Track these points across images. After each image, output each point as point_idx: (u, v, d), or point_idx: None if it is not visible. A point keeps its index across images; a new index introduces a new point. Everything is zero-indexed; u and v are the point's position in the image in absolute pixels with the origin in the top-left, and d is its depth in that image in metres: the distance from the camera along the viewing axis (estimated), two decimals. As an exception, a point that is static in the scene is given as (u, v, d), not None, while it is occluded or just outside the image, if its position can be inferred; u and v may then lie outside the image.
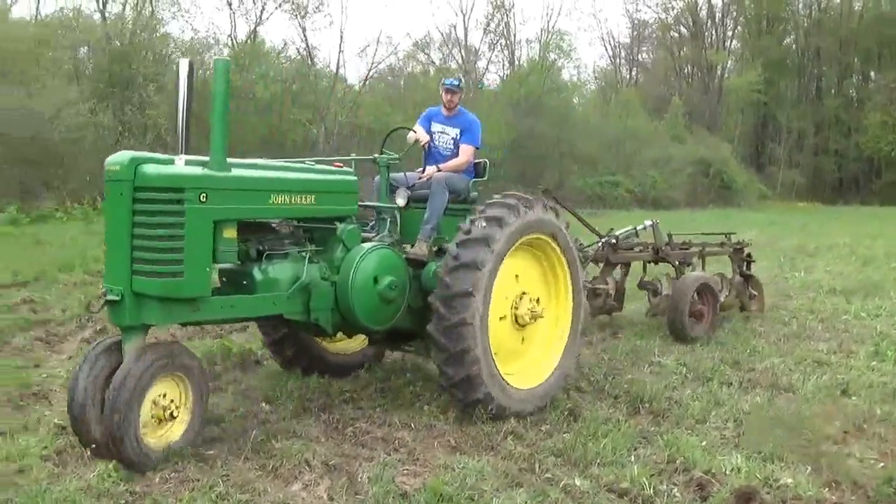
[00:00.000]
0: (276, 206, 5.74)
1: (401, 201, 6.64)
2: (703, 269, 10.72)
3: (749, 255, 11.23)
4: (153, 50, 29.71)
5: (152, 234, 5.06)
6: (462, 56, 48.33)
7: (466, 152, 7.36)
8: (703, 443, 5.83)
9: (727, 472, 5.26)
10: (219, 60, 5.34)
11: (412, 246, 6.72)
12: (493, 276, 6.16)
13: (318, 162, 6.47)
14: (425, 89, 37.87)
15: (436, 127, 7.52)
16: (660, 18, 64.28)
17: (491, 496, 4.87)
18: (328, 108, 34.12)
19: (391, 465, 5.27)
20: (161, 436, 5.25)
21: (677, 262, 10.17)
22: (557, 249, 6.77)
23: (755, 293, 11.06)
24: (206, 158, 5.32)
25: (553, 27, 51.34)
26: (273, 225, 6.16)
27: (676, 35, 64.33)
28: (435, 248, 6.72)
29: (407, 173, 7.19)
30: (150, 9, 30.96)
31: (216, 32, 62.75)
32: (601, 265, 9.76)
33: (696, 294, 9.31)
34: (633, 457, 5.55)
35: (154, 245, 5.06)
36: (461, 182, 7.18)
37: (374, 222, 6.97)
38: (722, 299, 10.08)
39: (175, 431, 5.31)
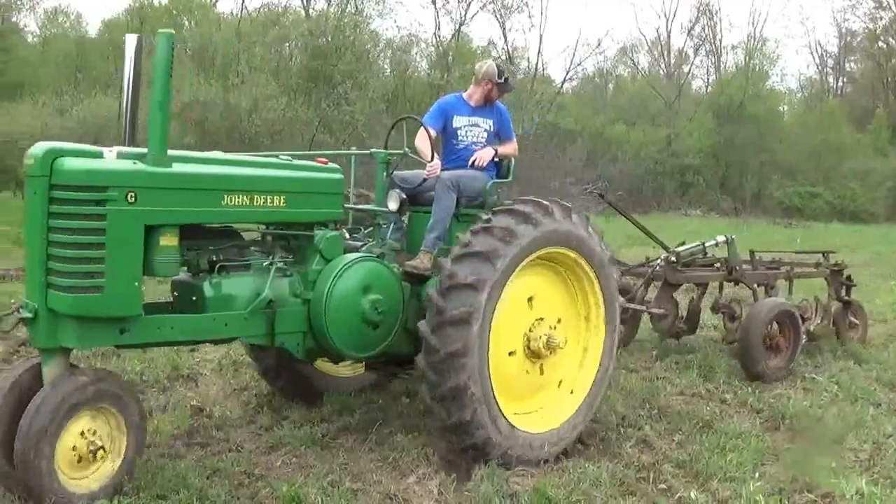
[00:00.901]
0: (232, 208, 4.78)
1: (393, 205, 5.61)
2: (791, 291, 9.39)
3: (849, 278, 9.61)
4: (354, 47, 30.11)
5: (67, 241, 4.21)
6: (665, 60, 47.51)
7: (513, 145, 6.43)
8: (833, 464, 5.54)
9: (848, 497, 4.98)
10: (162, 33, 4.45)
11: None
12: (497, 299, 5.05)
13: (302, 157, 5.56)
14: (625, 92, 37.07)
15: (460, 121, 6.37)
16: (868, 28, 59.45)
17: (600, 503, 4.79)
18: (525, 108, 33.58)
19: (508, 465, 5.18)
20: (84, 477, 4.43)
21: (756, 285, 8.72)
22: (585, 266, 5.59)
23: (856, 322, 9.56)
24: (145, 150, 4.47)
25: (759, 34, 49.40)
26: (237, 231, 5.25)
27: (884, 46, 59.17)
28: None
29: (420, 171, 6.11)
30: (355, 6, 31.40)
31: (419, 30, 63.13)
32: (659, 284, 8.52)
33: (772, 323, 7.92)
34: (757, 473, 5.36)
35: (69, 254, 4.21)
36: (476, 182, 6.02)
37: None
38: (812, 327, 8.70)
39: (101, 473, 4.48)
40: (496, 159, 6.30)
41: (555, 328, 5.50)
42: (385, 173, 6.01)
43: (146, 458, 4.78)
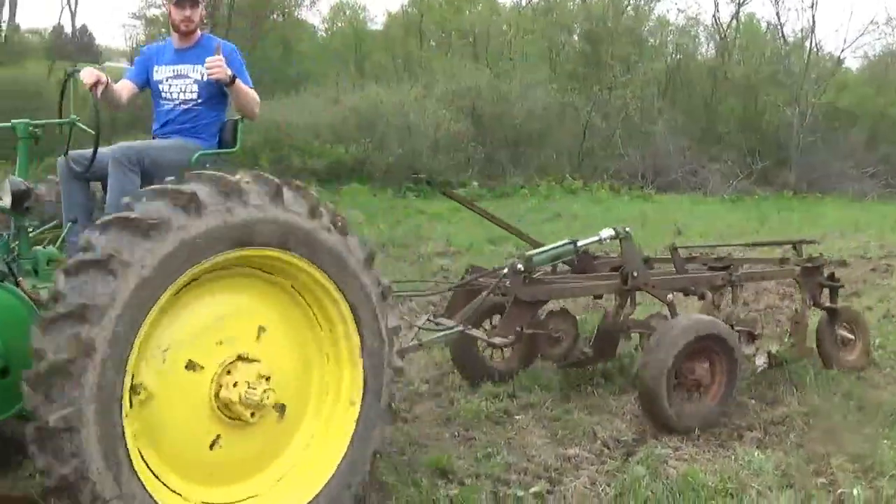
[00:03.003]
0: None
1: (5, 199, 3.85)
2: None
3: (832, 277, 6.86)
4: (633, 33, 29.14)
5: None
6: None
7: (253, 93, 4.67)
8: None
9: None
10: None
11: None
12: (135, 332, 3.14)
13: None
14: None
15: (162, 72, 4.69)
16: None
17: (753, 494, 4.45)
18: (801, 88, 29.71)
19: (676, 448, 5.07)
20: None
21: (670, 296, 6.03)
22: (318, 275, 3.48)
23: (850, 337, 6.92)
24: None
25: None
26: None
27: None
28: None
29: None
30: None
31: (699, 12, 58.84)
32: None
33: (687, 351, 5.35)
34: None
35: None
36: (176, 153, 4.25)
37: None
38: (774, 349, 6.41)
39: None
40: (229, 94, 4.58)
41: (266, 377, 3.46)
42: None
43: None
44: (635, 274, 5.78)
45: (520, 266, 5.45)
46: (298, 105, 22.39)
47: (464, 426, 5.39)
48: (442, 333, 5.21)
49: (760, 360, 6.19)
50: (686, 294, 6.49)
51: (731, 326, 5.92)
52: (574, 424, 5.36)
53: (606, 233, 6.03)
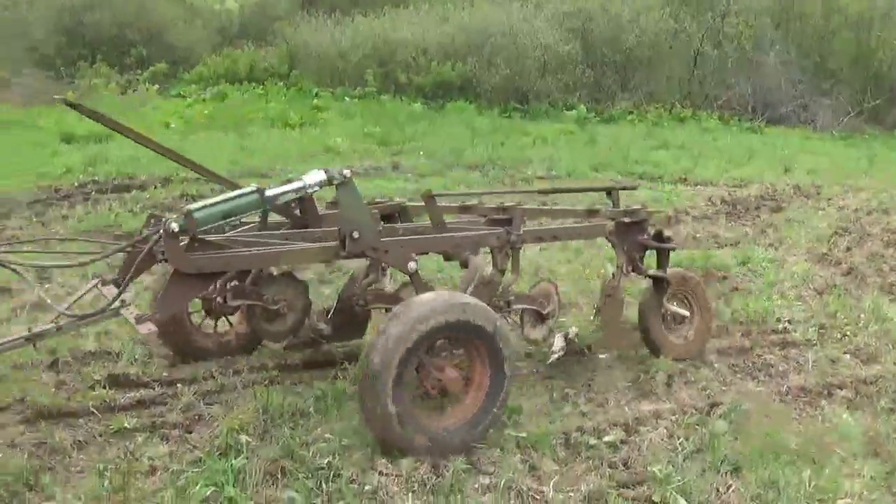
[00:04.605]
0: None
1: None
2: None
3: (661, 235, 5.24)
4: None
5: None
6: None
7: None
8: None
9: None
10: None
11: None
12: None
13: None
14: None
15: None
16: None
17: (836, 461, 4.23)
18: None
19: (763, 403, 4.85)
20: None
21: (412, 264, 4.30)
22: None
23: (685, 314, 5.43)
24: None
25: None
26: None
27: None
28: None
29: None
30: None
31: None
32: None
33: (426, 346, 3.97)
34: None
35: None
36: None
37: None
38: (572, 332, 5.06)
39: None
40: None
41: None
42: None
43: None
44: (356, 234, 4.12)
45: (174, 226, 3.74)
46: (406, 20, 22.58)
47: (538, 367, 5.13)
48: (90, 315, 3.93)
49: (558, 345, 4.94)
50: (447, 259, 4.93)
51: (508, 304, 4.76)
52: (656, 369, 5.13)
53: (313, 177, 4.32)
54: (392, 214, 5.06)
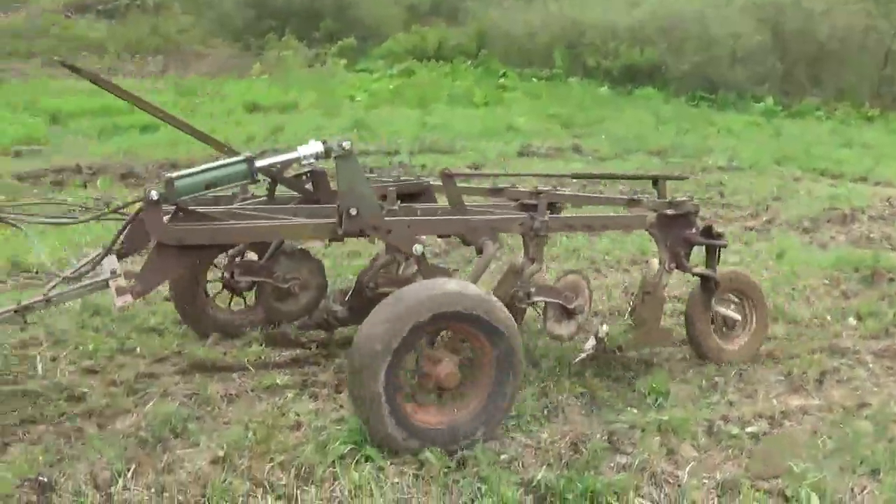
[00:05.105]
0: None
1: None
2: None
3: (711, 231, 4.69)
4: None
5: None
6: None
7: None
8: None
9: None
10: None
11: None
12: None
13: None
14: None
15: None
16: None
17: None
18: None
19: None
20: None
21: (418, 247, 3.90)
22: None
23: (736, 318, 4.88)
24: None
25: None
26: None
27: None
28: None
29: None
30: None
31: None
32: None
33: (412, 340, 3.49)
34: None
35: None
36: None
37: None
38: (603, 328, 4.46)
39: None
40: None
41: None
42: None
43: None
44: (353, 211, 3.75)
45: (153, 194, 3.52)
46: (596, 3, 22.37)
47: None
48: (75, 289, 3.70)
49: (589, 344, 4.45)
50: (466, 244, 4.22)
51: (527, 296, 4.30)
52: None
53: (310, 148, 3.91)
54: (416, 194, 4.80)
